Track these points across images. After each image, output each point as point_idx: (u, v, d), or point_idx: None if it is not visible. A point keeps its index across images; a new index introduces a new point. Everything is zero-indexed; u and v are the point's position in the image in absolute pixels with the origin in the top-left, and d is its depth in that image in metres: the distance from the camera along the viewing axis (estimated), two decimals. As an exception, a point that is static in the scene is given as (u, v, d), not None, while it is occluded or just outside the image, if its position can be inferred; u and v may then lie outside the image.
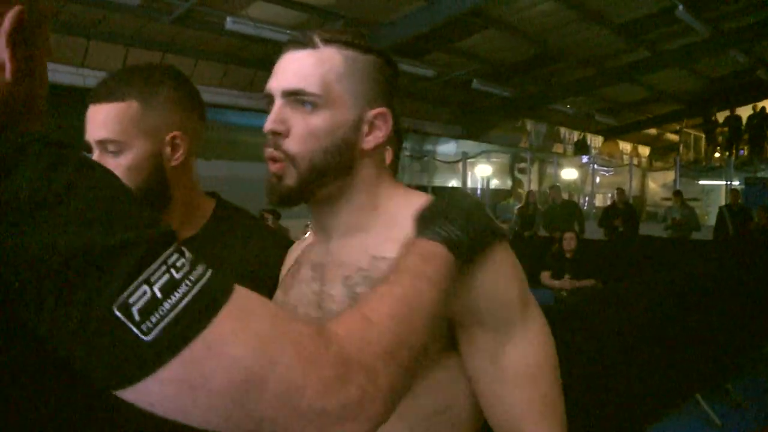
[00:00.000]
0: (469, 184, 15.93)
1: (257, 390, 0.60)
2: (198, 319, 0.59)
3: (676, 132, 21.50)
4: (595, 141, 20.86)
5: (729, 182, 16.13)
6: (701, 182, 18.48)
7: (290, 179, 0.95)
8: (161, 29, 9.49)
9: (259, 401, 0.60)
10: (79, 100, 1.28)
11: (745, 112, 18.19)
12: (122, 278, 0.57)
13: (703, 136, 19.42)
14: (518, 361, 0.91)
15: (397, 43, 10.70)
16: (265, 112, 0.98)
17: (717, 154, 18.54)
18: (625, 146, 22.45)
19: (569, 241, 6.91)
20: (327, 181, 0.96)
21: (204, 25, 9.49)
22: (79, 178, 0.59)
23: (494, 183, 18.47)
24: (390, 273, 0.79)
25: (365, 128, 0.97)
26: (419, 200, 0.97)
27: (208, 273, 0.62)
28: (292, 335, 0.63)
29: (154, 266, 0.59)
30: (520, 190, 17.12)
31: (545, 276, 6.80)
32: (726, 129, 18.13)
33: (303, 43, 0.96)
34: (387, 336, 0.70)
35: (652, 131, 22.39)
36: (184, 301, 0.59)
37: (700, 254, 7.95)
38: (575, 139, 19.94)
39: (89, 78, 9.11)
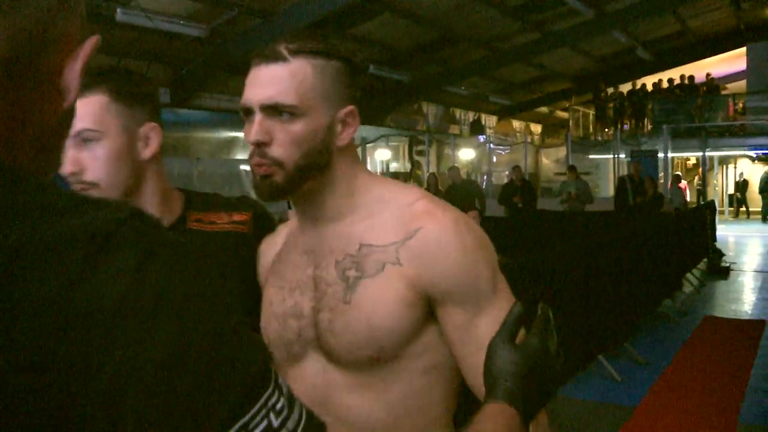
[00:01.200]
0: (369, 168, 16.02)
1: None
2: None
3: (565, 110, 22.42)
4: (490, 121, 21.41)
5: (616, 155, 17.01)
6: (591, 156, 19.38)
7: (278, 178, 1.06)
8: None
9: None
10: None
11: (627, 89, 19.28)
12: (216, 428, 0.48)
13: (591, 112, 20.36)
14: (487, 333, 0.96)
15: (292, 31, 10.61)
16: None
17: (606, 129, 19.53)
18: (519, 125, 23.17)
19: (474, 220, 7.11)
20: (310, 177, 1.08)
21: (94, 18, 9.14)
22: (172, 278, 0.49)
23: (393, 166, 18.74)
24: None
25: (338, 127, 1.09)
26: (397, 189, 1.13)
27: (304, 418, 0.54)
28: None
29: (254, 410, 0.50)
30: (418, 172, 17.40)
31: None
32: (612, 105, 19.16)
33: (273, 57, 1.06)
34: None
35: (544, 109, 23.20)
36: None
37: (599, 225, 8.38)
38: (471, 120, 20.42)
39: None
